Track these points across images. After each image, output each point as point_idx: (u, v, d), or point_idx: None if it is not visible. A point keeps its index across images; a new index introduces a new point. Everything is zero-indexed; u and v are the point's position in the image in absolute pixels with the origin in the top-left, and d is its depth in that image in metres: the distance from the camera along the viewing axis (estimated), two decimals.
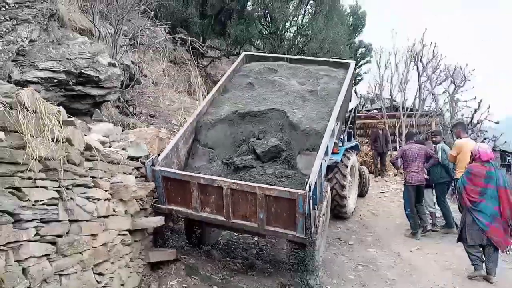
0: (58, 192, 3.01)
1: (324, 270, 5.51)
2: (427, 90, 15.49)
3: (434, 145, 7.87)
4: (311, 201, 4.19)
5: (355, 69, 7.42)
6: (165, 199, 4.74)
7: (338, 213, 7.90)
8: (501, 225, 5.37)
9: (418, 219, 7.47)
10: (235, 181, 4.42)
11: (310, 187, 4.10)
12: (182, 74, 11.16)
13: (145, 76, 9.53)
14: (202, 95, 9.66)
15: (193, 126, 5.58)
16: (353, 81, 8.86)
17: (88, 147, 3.51)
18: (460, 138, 6.70)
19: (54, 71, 5.33)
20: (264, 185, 4.32)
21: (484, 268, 5.50)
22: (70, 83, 5.59)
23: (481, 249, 5.53)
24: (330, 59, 7.85)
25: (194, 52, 11.71)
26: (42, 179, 2.85)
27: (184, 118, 7.97)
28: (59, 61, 5.42)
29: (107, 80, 6.02)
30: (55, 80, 5.38)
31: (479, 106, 14.62)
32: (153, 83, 9.67)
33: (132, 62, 8.17)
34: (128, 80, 7.67)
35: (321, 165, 4.65)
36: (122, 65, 7.16)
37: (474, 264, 5.54)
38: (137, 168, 4.69)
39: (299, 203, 4.07)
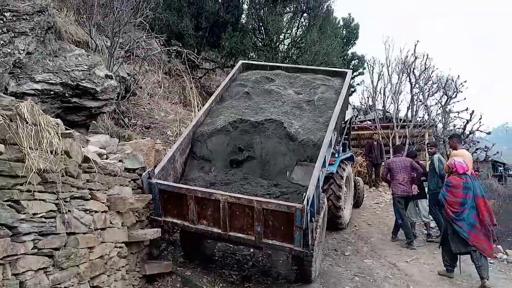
0: (56, 204, 3.00)
1: (321, 281, 5.49)
2: (420, 101, 15.65)
3: (430, 156, 7.93)
4: (308, 214, 4.18)
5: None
6: (161, 212, 4.71)
7: (333, 224, 7.91)
8: (480, 232, 5.60)
9: (412, 228, 7.50)
10: (233, 194, 4.39)
11: (308, 200, 4.09)
12: (177, 86, 11.19)
13: (140, 87, 9.54)
14: (197, 106, 9.67)
15: (190, 137, 5.57)
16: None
17: (86, 159, 3.50)
18: (456, 149, 6.80)
19: (50, 83, 5.32)
20: (262, 199, 4.31)
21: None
22: (67, 95, 5.58)
23: (470, 255, 5.69)
24: (327, 68, 7.88)
25: (189, 64, 11.75)
26: (41, 191, 2.83)
27: (179, 130, 7.97)
28: (56, 73, 5.42)
29: (103, 92, 6.02)
30: (52, 92, 5.37)
31: (471, 117, 14.77)
32: (148, 94, 9.68)
33: (128, 74, 8.18)
34: (123, 91, 7.68)
35: (318, 177, 4.66)
36: (118, 77, 7.17)
37: (446, 268, 6.03)
38: (134, 180, 4.67)
39: (297, 217, 4.05)
